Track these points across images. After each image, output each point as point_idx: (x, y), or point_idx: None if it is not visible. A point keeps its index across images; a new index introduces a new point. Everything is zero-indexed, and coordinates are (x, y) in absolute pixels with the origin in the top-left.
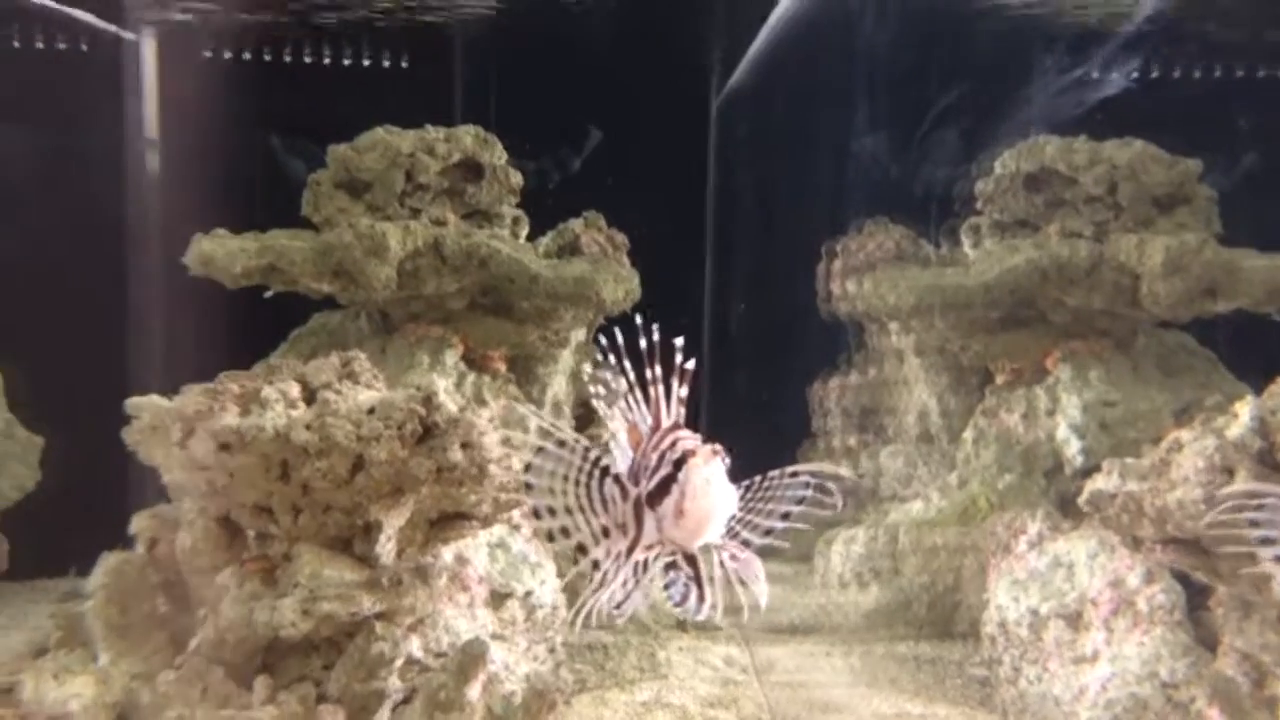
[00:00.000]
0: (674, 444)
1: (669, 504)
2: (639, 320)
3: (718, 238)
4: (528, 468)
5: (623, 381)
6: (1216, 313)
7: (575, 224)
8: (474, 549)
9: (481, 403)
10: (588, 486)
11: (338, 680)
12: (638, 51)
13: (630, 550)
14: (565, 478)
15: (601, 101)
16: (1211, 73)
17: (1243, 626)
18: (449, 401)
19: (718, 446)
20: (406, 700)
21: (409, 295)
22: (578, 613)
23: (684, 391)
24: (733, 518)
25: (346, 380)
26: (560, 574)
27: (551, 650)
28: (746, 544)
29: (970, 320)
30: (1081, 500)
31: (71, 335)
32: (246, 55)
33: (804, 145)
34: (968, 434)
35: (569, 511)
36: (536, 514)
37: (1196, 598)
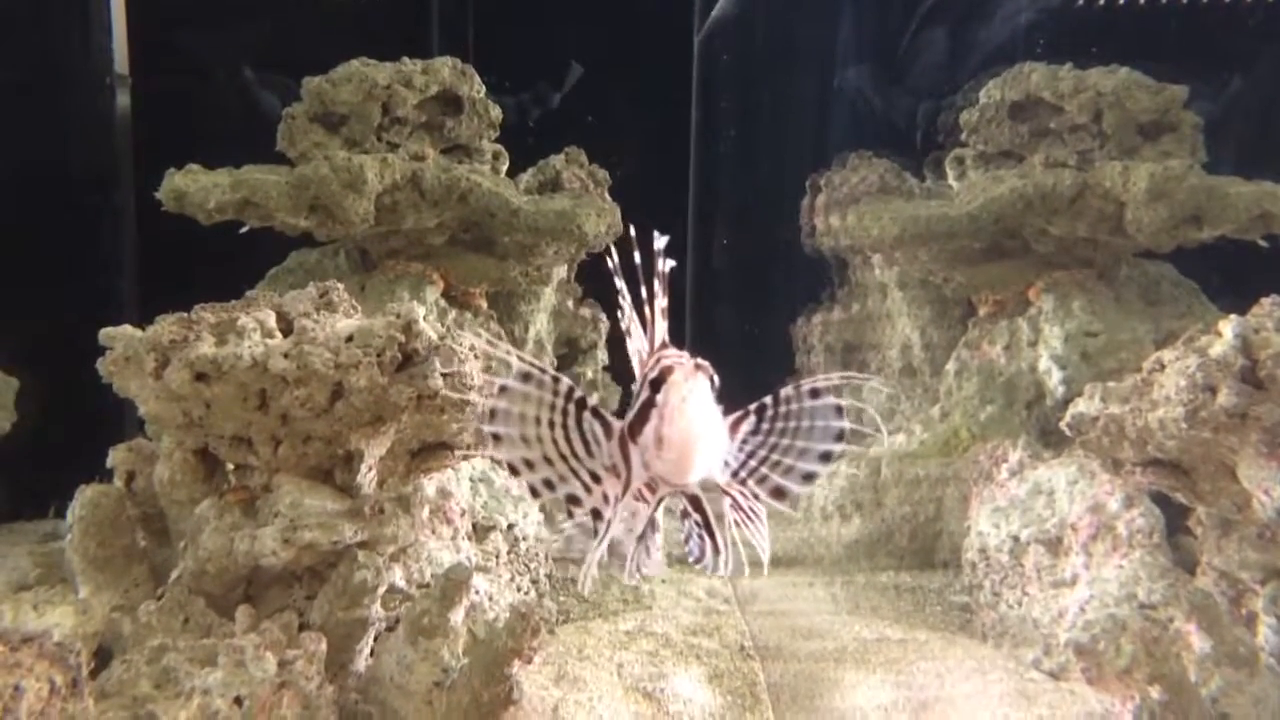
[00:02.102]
0: (656, 364)
1: (649, 432)
2: (631, 233)
3: (700, 173)
4: (492, 414)
5: (626, 308)
6: (1200, 240)
7: (556, 160)
8: (456, 482)
9: None
10: (564, 427)
11: (320, 609)
12: None
13: (620, 495)
14: (537, 420)
15: (582, 35)
16: None
17: (1221, 545)
18: (429, 328)
19: (701, 361)
20: (390, 629)
21: (387, 231)
22: (585, 575)
23: (664, 301)
24: (756, 457)
25: (324, 310)
26: (550, 522)
27: (535, 582)
28: (782, 491)
29: (954, 252)
30: (1063, 423)
31: (44, 275)
32: None
33: (787, 79)
34: (950, 366)
35: (549, 461)
36: (512, 469)
37: (1175, 522)
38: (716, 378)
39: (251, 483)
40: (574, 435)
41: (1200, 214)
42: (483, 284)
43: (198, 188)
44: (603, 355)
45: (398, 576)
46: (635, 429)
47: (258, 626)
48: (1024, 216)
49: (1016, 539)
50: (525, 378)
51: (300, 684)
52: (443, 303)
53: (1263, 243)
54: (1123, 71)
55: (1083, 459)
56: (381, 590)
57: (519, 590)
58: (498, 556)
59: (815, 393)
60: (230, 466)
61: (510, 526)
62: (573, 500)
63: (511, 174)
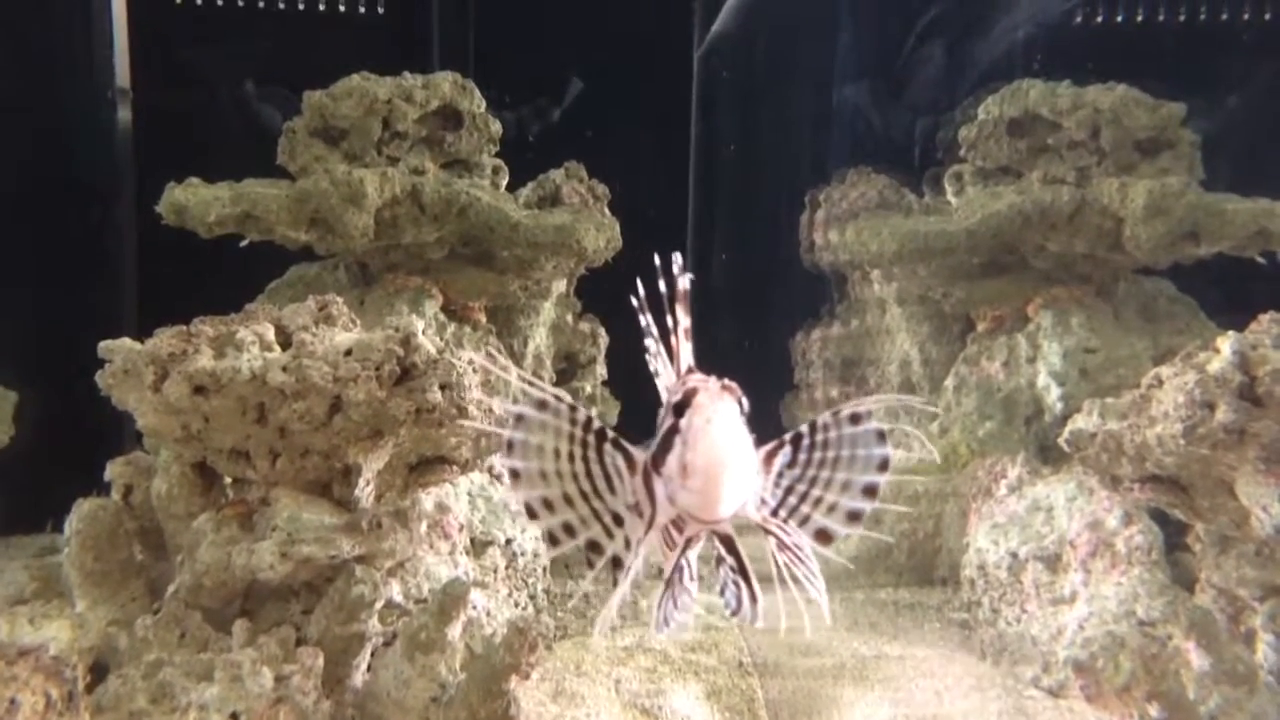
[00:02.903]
0: (681, 388)
1: (672, 461)
2: (657, 260)
3: (700, 188)
4: (510, 446)
5: (651, 342)
6: (1198, 257)
7: (556, 175)
8: (454, 497)
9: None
10: (585, 460)
11: (317, 624)
12: None
13: (645, 533)
14: (556, 453)
15: (582, 50)
16: (1198, 16)
17: (1220, 562)
18: (427, 342)
19: (729, 383)
20: (387, 644)
21: (387, 245)
22: (603, 623)
23: (687, 321)
24: (795, 493)
25: (323, 323)
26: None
27: (533, 597)
28: (825, 534)
29: (952, 267)
30: (1062, 439)
31: (43, 287)
32: (219, 0)
33: (786, 94)
34: (949, 382)
35: (569, 501)
36: (530, 512)
37: (1174, 539)
38: (746, 401)
39: (249, 496)
40: (595, 470)
41: (1198, 230)
42: (482, 298)
43: (198, 201)
44: (602, 370)
45: (395, 591)
46: (659, 460)
47: (254, 641)
48: (1022, 233)
49: (1015, 555)
50: (541, 406)
51: (297, 699)
52: (442, 317)
53: (1260, 259)
54: (1121, 88)
55: (1081, 475)
56: (379, 605)
57: (517, 606)
58: (495, 572)
59: (855, 418)
60: (228, 480)
61: (508, 541)
62: (594, 548)
63: (511, 188)
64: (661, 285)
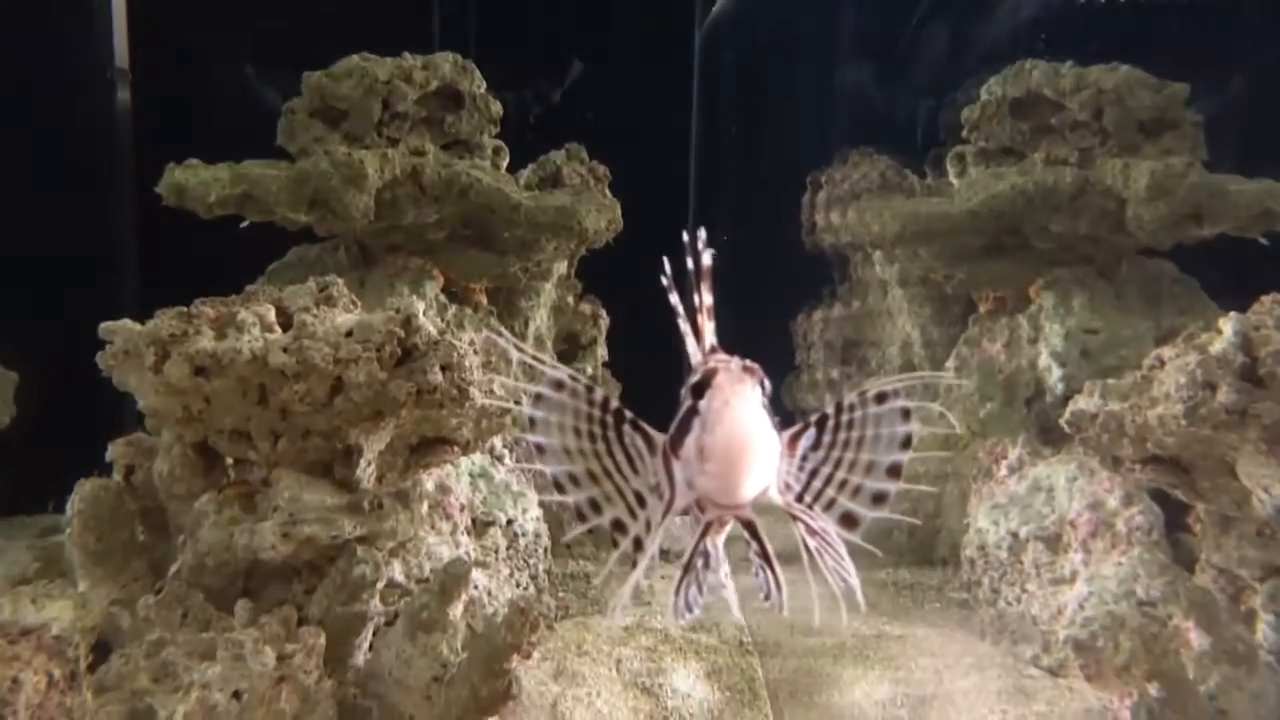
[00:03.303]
0: (701, 368)
1: (690, 443)
2: (684, 237)
3: (701, 169)
4: (531, 423)
5: (682, 323)
6: (1201, 238)
7: (556, 156)
8: (456, 477)
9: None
10: (605, 439)
11: (319, 603)
12: None
13: (663, 517)
14: (577, 431)
15: (583, 30)
16: None
17: (1220, 542)
18: (428, 323)
19: (751, 363)
20: (389, 623)
21: (388, 226)
22: (617, 607)
23: (710, 299)
24: (820, 476)
25: (324, 305)
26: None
27: (534, 578)
28: (852, 518)
29: (954, 249)
30: (1063, 420)
31: (43, 269)
32: None
33: (788, 75)
34: (950, 363)
35: (594, 478)
36: (558, 486)
37: (1175, 519)
38: (768, 382)
39: (251, 477)
40: (615, 450)
41: (1201, 211)
42: (483, 279)
43: (198, 182)
44: (603, 351)
45: (396, 571)
46: (677, 442)
47: (256, 621)
48: (1025, 214)
49: (1016, 536)
50: (558, 385)
51: (299, 678)
52: (443, 298)
53: (1264, 240)
54: (1124, 69)
55: (1082, 456)
56: (380, 585)
57: (518, 585)
58: (497, 552)
59: (881, 397)
60: (230, 461)
61: (509, 522)
62: (618, 527)
63: (512, 169)
64: (688, 262)
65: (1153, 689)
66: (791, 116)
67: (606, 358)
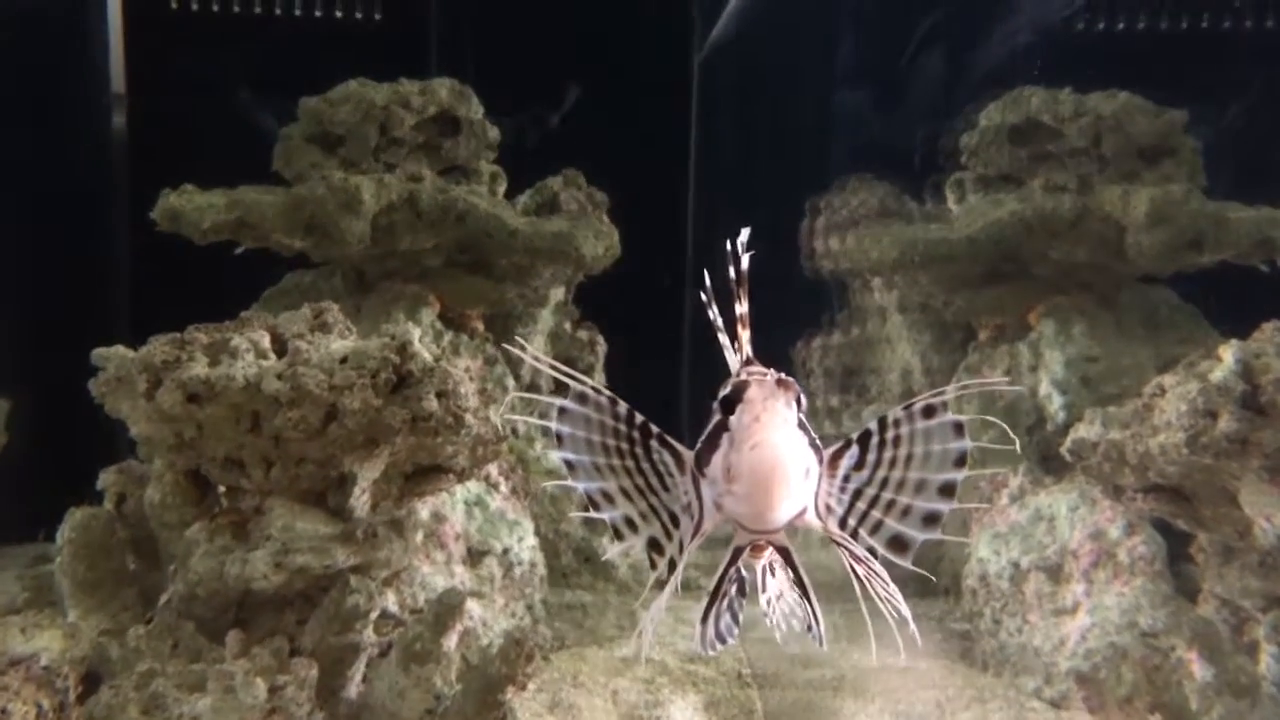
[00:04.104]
0: (732, 382)
1: (718, 462)
2: (727, 245)
3: (700, 195)
4: (559, 439)
5: (722, 336)
6: (1201, 265)
7: (554, 181)
8: (451, 506)
9: None
10: (634, 456)
11: (311, 634)
12: (619, 3)
13: (692, 539)
14: (605, 448)
15: (581, 56)
16: (1200, 22)
17: (1223, 573)
18: (424, 350)
19: (785, 377)
20: (382, 654)
21: (384, 252)
22: (643, 639)
23: (744, 307)
24: (864, 498)
25: (319, 331)
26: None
27: (530, 608)
28: (901, 541)
29: (954, 275)
30: (1064, 449)
31: (37, 294)
32: (215, 6)
33: (787, 101)
34: (950, 391)
35: (627, 496)
36: (592, 503)
37: (1177, 549)
38: (805, 398)
39: (243, 505)
40: (645, 467)
41: (1201, 239)
42: (479, 306)
43: (192, 208)
44: (601, 378)
45: (390, 601)
46: (704, 459)
47: (248, 652)
48: (1024, 240)
49: (1017, 566)
50: (582, 399)
51: (291, 710)
52: (439, 324)
53: (1264, 267)
54: (1123, 95)
55: (1084, 485)
56: (374, 615)
57: (513, 616)
58: (492, 581)
59: (929, 411)
60: (222, 489)
61: (505, 551)
62: (655, 547)
63: (509, 195)
64: (730, 271)
65: None
66: (790, 142)
67: (605, 384)
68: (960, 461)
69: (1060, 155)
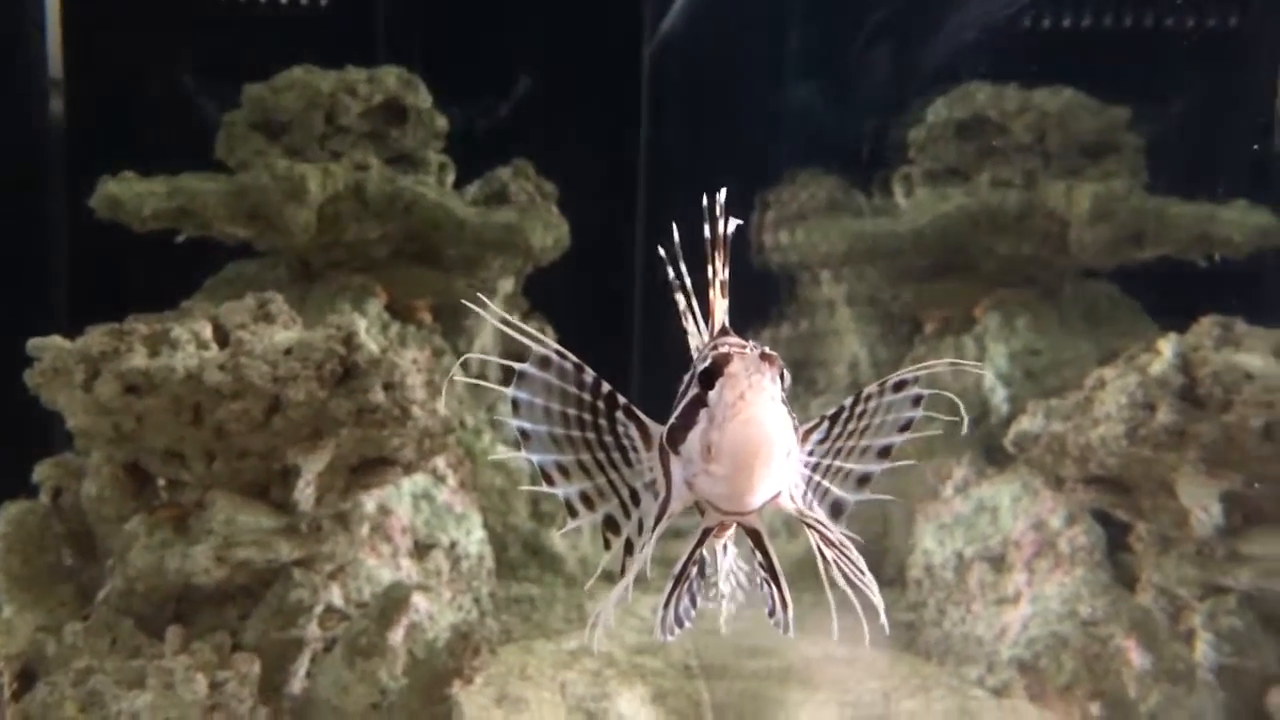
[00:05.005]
0: (710, 352)
1: (694, 440)
2: (704, 201)
3: (649, 187)
4: (515, 405)
5: (681, 298)
6: (1142, 259)
7: (503, 172)
8: (397, 499)
9: None
10: (596, 428)
11: (254, 629)
12: None
13: (656, 522)
14: (565, 417)
15: (531, 47)
16: (1142, 21)
17: (1160, 562)
18: (370, 341)
19: (768, 351)
20: (327, 649)
21: (330, 242)
22: (596, 624)
23: (725, 273)
24: (820, 469)
25: (262, 321)
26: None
27: (477, 601)
28: (838, 506)
29: (901, 268)
30: (1007, 441)
31: None
32: None
33: (737, 94)
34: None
35: (585, 470)
36: (546, 476)
37: (1117, 539)
38: (789, 373)
39: (184, 499)
40: (608, 439)
41: (1142, 234)
42: (427, 297)
43: (132, 195)
44: None
45: (335, 595)
46: (678, 436)
47: (188, 647)
48: (970, 235)
49: (961, 556)
50: (544, 363)
51: (232, 706)
52: (385, 316)
53: (1202, 262)
54: (1067, 92)
55: (1026, 476)
56: (318, 610)
57: (460, 609)
58: (439, 575)
59: (900, 385)
60: (162, 482)
61: (452, 544)
62: (611, 525)
63: (458, 186)
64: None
65: (1095, 708)
66: (740, 136)
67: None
68: (904, 428)
69: (1006, 150)
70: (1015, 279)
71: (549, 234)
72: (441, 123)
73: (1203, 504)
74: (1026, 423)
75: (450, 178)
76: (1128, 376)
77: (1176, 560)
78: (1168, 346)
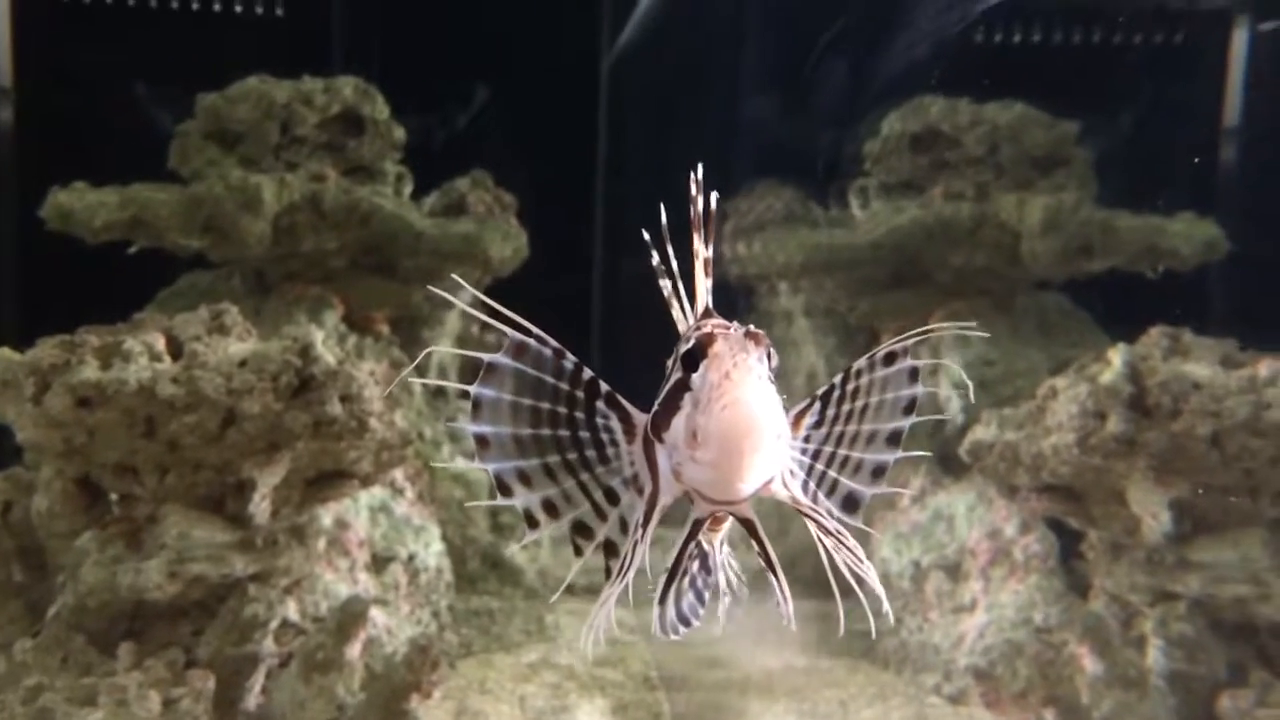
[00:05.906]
0: (693, 334)
1: (679, 425)
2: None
3: (608, 198)
4: (476, 406)
5: (666, 283)
6: (1092, 271)
7: (461, 183)
8: (355, 512)
9: None
10: (570, 422)
11: (208, 645)
12: (528, 6)
13: (647, 517)
14: (535, 413)
15: (490, 59)
16: (1091, 36)
17: (1112, 569)
18: (327, 353)
19: (755, 330)
20: (283, 665)
21: (285, 253)
22: (590, 632)
23: (708, 252)
24: (822, 457)
25: (217, 333)
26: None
27: (436, 614)
28: (854, 501)
29: (857, 279)
30: (962, 450)
31: None
32: None
33: (694, 106)
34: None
35: (550, 474)
36: (502, 486)
37: (1070, 546)
38: (775, 353)
39: (136, 513)
40: (583, 434)
41: (1091, 246)
42: (384, 308)
43: (84, 206)
44: None
45: (291, 610)
46: (662, 423)
47: (141, 664)
48: (925, 246)
49: (918, 565)
50: (520, 351)
51: None
52: (343, 327)
53: (1150, 273)
54: (1018, 106)
55: (982, 485)
56: (274, 625)
57: (419, 623)
58: (397, 588)
59: (890, 358)
60: (114, 496)
61: (411, 558)
62: (581, 530)
63: (415, 197)
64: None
65: (1049, 715)
66: (697, 147)
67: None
68: (909, 408)
69: (959, 163)
70: (969, 290)
71: (508, 244)
72: (399, 133)
73: (1153, 511)
74: (981, 432)
75: (408, 189)
76: (1079, 386)
77: (1128, 567)
78: (1117, 356)
